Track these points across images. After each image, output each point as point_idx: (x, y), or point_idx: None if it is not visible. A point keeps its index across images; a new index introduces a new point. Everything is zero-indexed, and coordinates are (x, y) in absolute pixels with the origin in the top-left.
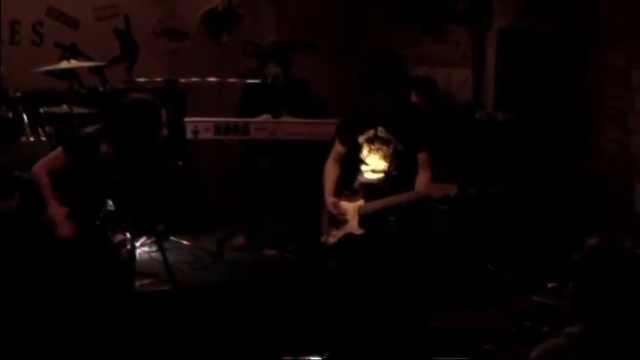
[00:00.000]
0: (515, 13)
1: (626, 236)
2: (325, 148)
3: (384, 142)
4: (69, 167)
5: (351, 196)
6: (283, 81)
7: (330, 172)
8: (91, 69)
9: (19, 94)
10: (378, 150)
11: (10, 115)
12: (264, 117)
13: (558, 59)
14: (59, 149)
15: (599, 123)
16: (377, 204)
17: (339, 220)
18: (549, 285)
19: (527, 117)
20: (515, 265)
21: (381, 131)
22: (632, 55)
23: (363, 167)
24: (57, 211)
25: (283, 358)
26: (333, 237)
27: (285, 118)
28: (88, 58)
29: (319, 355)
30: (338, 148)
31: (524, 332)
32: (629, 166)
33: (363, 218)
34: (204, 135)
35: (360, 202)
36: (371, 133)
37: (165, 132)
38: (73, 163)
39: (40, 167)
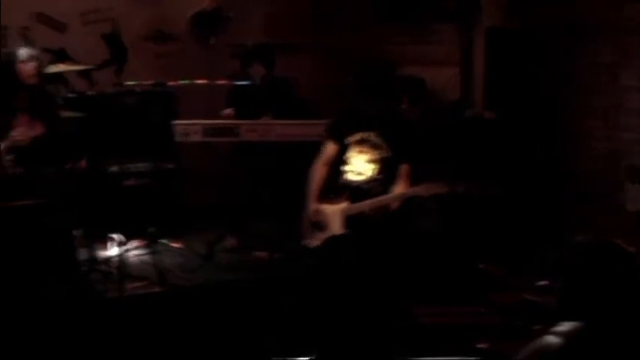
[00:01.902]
0: (504, 12)
1: (617, 234)
2: (314, 148)
3: (374, 146)
4: None
5: (334, 198)
6: (268, 82)
7: (318, 174)
8: (79, 73)
9: None
10: (365, 153)
11: None
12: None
13: (547, 58)
14: None
15: (588, 121)
16: (363, 205)
17: (321, 224)
18: (539, 283)
19: (516, 116)
20: (503, 262)
21: (372, 135)
22: (621, 52)
23: (347, 168)
24: None
25: (272, 359)
26: (316, 239)
27: (268, 120)
28: (76, 62)
29: (307, 356)
30: (329, 148)
31: (515, 330)
32: (619, 164)
33: (348, 220)
34: (193, 137)
35: (344, 204)
36: (361, 135)
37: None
38: None
39: None
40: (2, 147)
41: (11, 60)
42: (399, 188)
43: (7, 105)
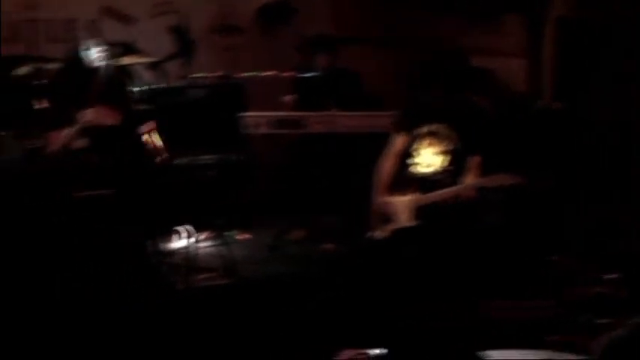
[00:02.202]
0: (574, 1)
1: None
2: (381, 140)
3: (443, 138)
4: None
5: (403, 190)
6: (331, 73)
7: (386, 167)
8: (148, 66)
9: None
10: (433, 145)
11: None
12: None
13: (619, 48)
14: None
15: None
16: (432, 196)
17: (389, 216)
18: (608, 276)
19: (586, 107)
20: (571, 255)
21: (441, 127)
22: None
23: (416, 160)
24: None
25: (342, 351)
26: (384, 231)
27: (334, 111)
28: (144, 55)
29: (376, 349)
30: (397, 141)
31: (586, 324)
32: None
33: (416, 211)
34: (261, 129)
35: (412, 195)
36: (428, 127)
37: None
38: None
39: None
40: (73, 131)
41: (80, 50)
42: (468, 180)
43: (79, 93)
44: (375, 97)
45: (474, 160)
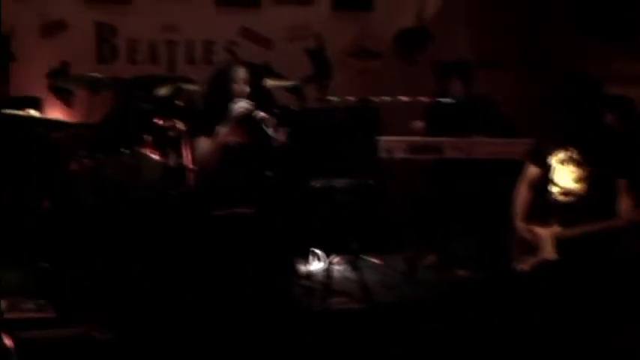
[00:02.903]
0: None
1: None
2: (515, 167)
3: (578, 164)
4: None
5: (544, 220)
6: (467, 100)
7: (522, 196)
8: (286, 88)
9: None
10: (570, 172)
11: None
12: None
13: None
14: None
15: None
16: (578, 230)
17: (532, 247)
18: None
19: None
20: None
21: (574, 153)
22: None
23: (555, 189)
24: None
25: None
26: (526, 264)
27: (474, 138)
28: (281, 78)
29: None
30: (531, 171)
31: None
32: None
33: (561, 244)
34: (397, 154)
35: (555, 226)
36: (563, 154)
37: None
38: None
39: None
40: (214, 149)
41: (227, 73)
42: (624, 204)
43: (222, 114)
44: (510, 123)
45: (623, 185)
